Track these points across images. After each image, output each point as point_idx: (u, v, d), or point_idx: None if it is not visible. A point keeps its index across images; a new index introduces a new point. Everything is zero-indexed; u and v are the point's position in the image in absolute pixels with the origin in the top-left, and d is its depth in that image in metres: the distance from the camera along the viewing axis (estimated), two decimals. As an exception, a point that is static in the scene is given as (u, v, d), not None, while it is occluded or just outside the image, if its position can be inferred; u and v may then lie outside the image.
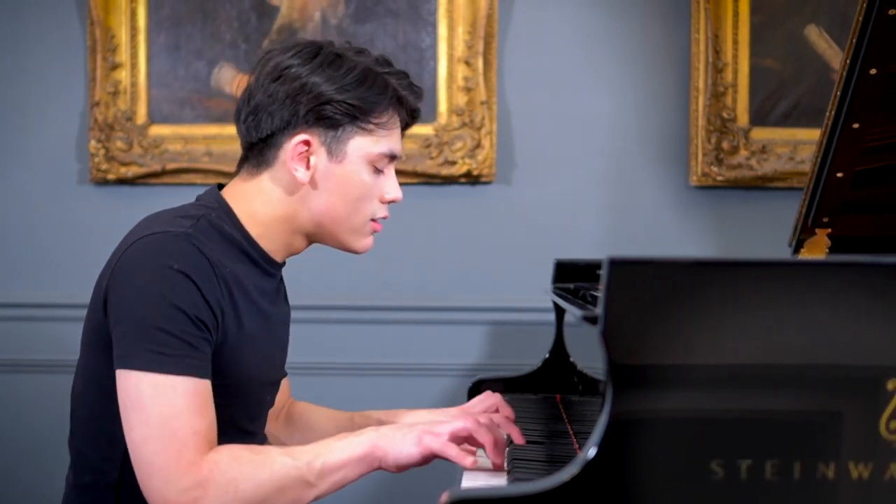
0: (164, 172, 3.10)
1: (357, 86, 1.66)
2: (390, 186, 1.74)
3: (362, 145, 1.68)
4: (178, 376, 1.52)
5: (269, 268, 1.74)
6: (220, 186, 1.76)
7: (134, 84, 3.12)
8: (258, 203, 1.70)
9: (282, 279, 1.87)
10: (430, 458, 1.58)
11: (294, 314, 2.98)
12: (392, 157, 1.73)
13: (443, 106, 3.09)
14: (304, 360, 3.03)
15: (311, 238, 1.76)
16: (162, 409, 1.50)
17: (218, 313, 1.59)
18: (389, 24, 3.09)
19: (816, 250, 2.17)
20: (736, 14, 3.03)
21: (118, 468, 1.64)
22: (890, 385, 1.24)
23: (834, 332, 1.25)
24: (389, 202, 1.75)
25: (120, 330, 1.55)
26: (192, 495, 1.48)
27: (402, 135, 1.78)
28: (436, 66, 3.08)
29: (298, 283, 3.10)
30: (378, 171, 1.71)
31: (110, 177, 3.12)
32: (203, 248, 1.59)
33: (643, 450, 1.25)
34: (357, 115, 1.66)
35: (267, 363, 1.76)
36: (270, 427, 1.98)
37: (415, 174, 3.10)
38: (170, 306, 1.53)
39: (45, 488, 3.07)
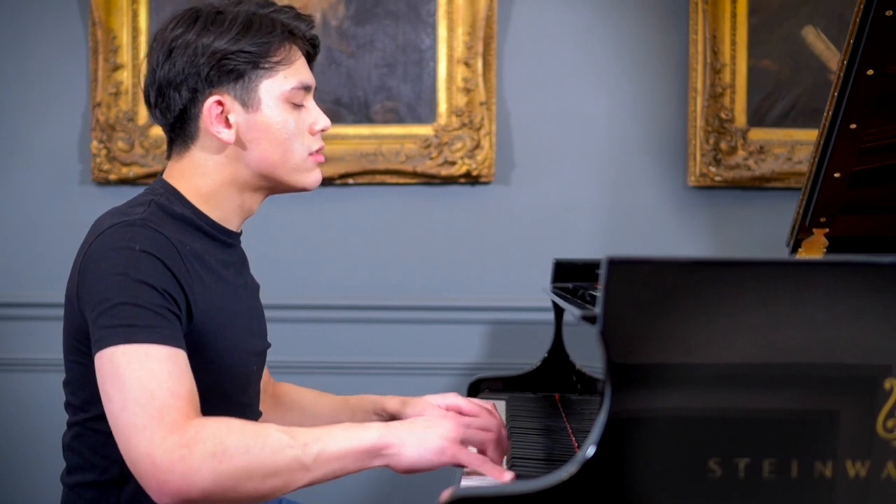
0: (165, 173, 3.11)
1: (245, 32, 1.67)
2: (315, 117, 1.74)
3: (272, 87, 1.69)
4: (152, 344, 1.49)
5: (226, 239, 1.74)
6: (160, 177, 1.77)
7: (135, 85, 3.12)
8: (197, 177, 1.71)
9: (243, 251, 1.87)
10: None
11: (295, 313, 3.01)
12: (306, 89, 1.73)
13: (442, 106, 3.09)
14: (306, 358, 3.05)
15: (262, 191, 1.76)
16: (137, 374, 1.47)
17: (186, 287, 1.59)
18: (389, 26, 3.09)
19: (814, 250, 2.17)
20: (734, 15, 3.03)
21: (119, 464, 1.63)
22: (887, 384, 1.25)
23: (831, 332, 1.26)
24: (320, 132, 1.75)
25: (93, 317, 1.54)
26: (177, 454, 1.42)
27: (311, 66, 1.78)
28: (435, 66, 3.08)
29: (299, 282, 3.12)
30: (297, 106, 1.71)
31: (112, 177, 3.12)
32: (159, 228, 1.60)
33: (641, 448, 1.25)
34: (256, 60, 1.67)
35: (246, 332, 1.76)
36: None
37: (414, 174, 3.10)
38: (136, 282, 1.53)
39: (46, 488, 3.08)
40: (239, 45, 1.66)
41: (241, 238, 1.84)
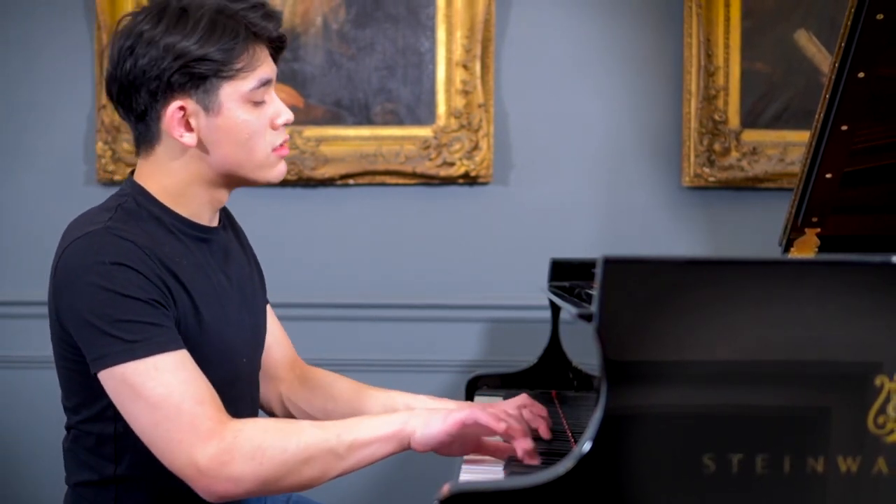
0: (168, 173, 3.11)
1: (209, 36, 1.62)
2: (277, 111, 1.71)
3: (233, 91, 1.65)
4: (156, 356, 1.52)
5: (199, 234, 1.72)
6: (129, 177, 1.75)
7: (140, 87, 3.14)
8: (162, 176, 1.69)
9: (237, 238, 1.86)
10: (456, 441, 1.58)
11: (295, 312, 3.02)
12: (266, 84, 1.69)
13: (441, 108, 3.10)
14: (305, 356, 3.06)
15: (229, 186, 1.74)
16: (157, 391, 1.51)
17: (164, 289, 1.59)
18: (389, 29, 3.10)
19: (806, 249, 2.17)
20: (727, 19, 3.04)
21: (113, 463, 1.66)
22: (877, 381, 1.25)
23: (823, 330, 1.26)
24: (282, 126, 1.71)
25: (84, 336, 1.56)
26: (219, 460, 1.49)
27: (278, 59, 1.75)
28: (434, 69, 3.09)
29: (299, 281, 3.13)
30: (259, 103, 1.68)
31: (117, 178, 3.12)
32: (126, 235, 1.59)
33: (637, 444, 1.26)
34: (218, 68, 1.63)
35: (233, 325, 1.74)
36: (283, 388, 1.98)
37: (414, 175, 3.11)
38: (119, 297, 1.54)
39: (50, 486, 3.10)
40: (201, 52, 1.62)
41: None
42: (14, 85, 3.21)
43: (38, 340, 3.16)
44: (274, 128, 1.71)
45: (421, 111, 3.11)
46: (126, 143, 3.12)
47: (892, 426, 1.26)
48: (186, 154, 1.68)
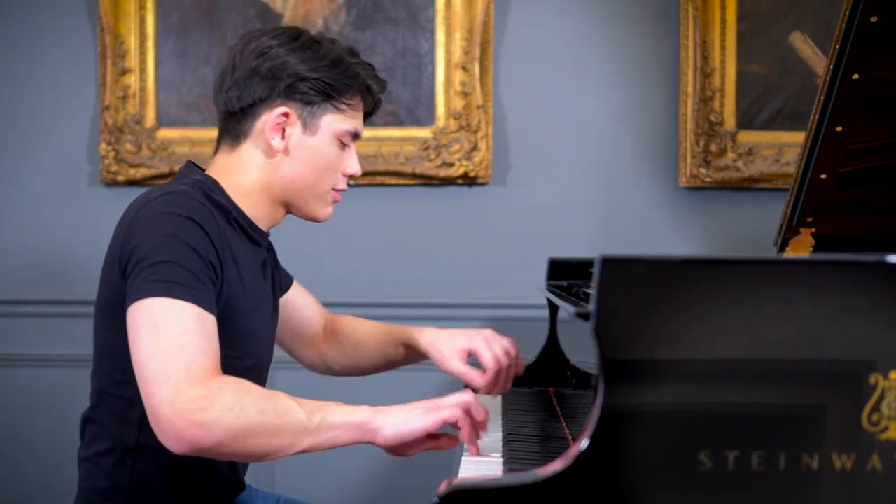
0: (171, 174, 3.09)
1: (331, 69, 1.80)
2: (352, 161, 1.88)
3: (333, 121, 1.82)
4: (188, 303, 1.59)
5: (256, 236, 1.84)
6: (190, 164, 1.87)
7: (143, 89, 3.15)
8: (239, 173, 1.82)
9: (271, 252, 1.96)
10: (430, 440, 1.64)
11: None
12: (355, 136, 1.87)
13: (441, 110, 3.11)
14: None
15: (285, 206, 1.87)
16: (171, 328, 1.56)
17: (223, 257, 1.70)
18: (389, 31, 3.12)
19: (801, 249, 2.19)
20: (723, 21, 3.05)
21: (136, 430, 1.71)
22: (872, 379, 1.25)
23: (818, 328, 1.26)
24: (349, 175, 1.89)
25: (136, 272, 1.62)
26: (198, 404, 1.50)
27: (364, 121, 1.91)
28: (434, 71, 3.11)
29: (299, 280, 3.14)
30: (343, 146, 1.85)
31: (120, 178, 3.15)
32: (204, 202, 1.72)
33: (634, 441, 1.26)
34: (331, 95, 1.81)
35: (265, 325, 1.87)
36: (323, 348, 2.17)
37: (413, 175, 3.13)
38: (181, 243, 1.63)
39: (63, 482, 3.11)
40: (321, 76, 1.79)
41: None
42: (18, 87, 3.22)
43: (41, 340, 3.19)
44: (343, 174, 1.88)
45: (420, 112, 3.13)
46: (129, 144, 3.13)
47: (886, 424, 1.26)
48: (269, 158, 1.82)
